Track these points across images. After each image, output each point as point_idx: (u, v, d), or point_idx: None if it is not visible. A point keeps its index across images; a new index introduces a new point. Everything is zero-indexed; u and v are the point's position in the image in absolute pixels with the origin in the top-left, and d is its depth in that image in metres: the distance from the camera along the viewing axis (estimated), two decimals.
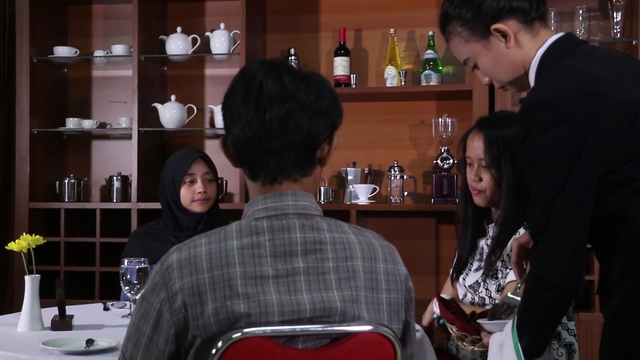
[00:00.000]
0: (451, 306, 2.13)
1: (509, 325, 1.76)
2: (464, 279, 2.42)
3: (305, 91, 1.43)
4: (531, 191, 1.69)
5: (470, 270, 2.41)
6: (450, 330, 2.12)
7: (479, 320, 1.94)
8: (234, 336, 1.33)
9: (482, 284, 2.33)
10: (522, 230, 2.25)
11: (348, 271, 1.42)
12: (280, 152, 1.42)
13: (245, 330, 1.33)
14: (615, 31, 3.66)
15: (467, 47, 1.82)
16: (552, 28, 3.69)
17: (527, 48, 1.77)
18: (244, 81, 1.45)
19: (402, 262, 1.52)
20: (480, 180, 2.34)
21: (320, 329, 1.37)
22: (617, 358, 1.64)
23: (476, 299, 2.35)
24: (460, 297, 2.45)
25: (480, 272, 2.35)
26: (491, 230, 2.39)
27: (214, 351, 1.33)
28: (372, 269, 1.45)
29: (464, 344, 2.08)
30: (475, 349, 2.05)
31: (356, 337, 1.39)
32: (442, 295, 2.30)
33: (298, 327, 1.36)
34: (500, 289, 2.28)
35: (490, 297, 2.30)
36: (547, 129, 1.62)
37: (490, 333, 1.85)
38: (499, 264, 2.30)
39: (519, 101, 1.75)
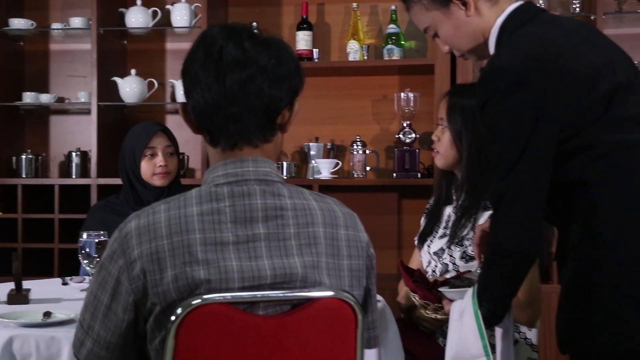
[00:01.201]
0: (414, 275, 2.14)
1: (469, 293, 1.78)
2: (428, 246, 2.43)
3: (266, 56, 1.41)
4: (491, 159, 1.69)
5: (435, 237, 2.43)
6: (413, 298, 2.13)
7: (441, 289, 1.95)
8: (193, 302, 1.31)
9: (446, 250, 2.34)
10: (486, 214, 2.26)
11: (309, 237, 1.41)
12: (241, 117, 1.40)
13: (205, 296, 1.32)
14: (574, 6, 3.68)
15: (428, 15, 1.82)
16: None
17: (487, 16, 1.77)
18: (203, 45, 1.42)
19: (363, 229, 1.51)
20: (439, 140, 2.36)
21: (281, 294, 1.37)
22: (572, 322, 1.65)
23: (439, 265, 2.37)
24: (425, 264, 2.46)
25: (445, 239, 2.36)
26: (454, 195, 2.41)
27: (173, 318, 1.31)
28: (333, 235, 1.45)
29: (427, 312, 2.09)
30: (437, 316, 2.06)
31: (317, 302, 1.38)
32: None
33: (259, 293, 1.35)
34: (465, 256, 2.29)
35: (454, 263, 2.32)
36: (506, 96, 1.63)
37: (451, 301, 1.87)
38: (464, 231, 2.31)
39: (480, 71, 1.76)
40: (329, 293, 1.39)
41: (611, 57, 1.70)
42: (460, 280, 1.98)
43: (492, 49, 1.78)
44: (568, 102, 1.63)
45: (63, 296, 2.30)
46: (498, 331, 1.80)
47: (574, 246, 1.65)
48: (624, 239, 1.60)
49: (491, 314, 1.73)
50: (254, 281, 1.35)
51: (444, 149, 2.37)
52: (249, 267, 1.36)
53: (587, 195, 1.64)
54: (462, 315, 1.78)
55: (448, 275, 2.34)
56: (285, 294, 1.37)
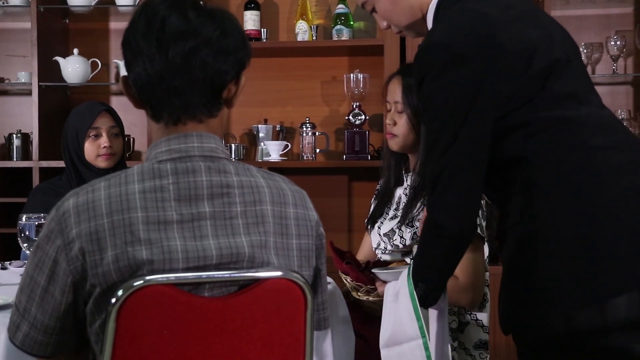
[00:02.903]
0: (345, 257, 2.10)
1: (404, 273, 1.75)
2: (379, 227, 2.40)
3: (211, 27, 1.35)
4: (428, 136, 1.67)
5: (385, 219, 2.40)
6: (344, 281, 2.09)
7: (374, 270, 1.91)
8: (135, 284, 1.25)
9: (397, 231, 2.31)
10: None
11: (257, 216, 1.37)
12: (185, 91, 1.34)
13: (148, 277, 1.26)
14: None
15: None
16: None
17: None
18: (145, 15, 1.36)
19: (312, 207, 1.47)
20: (395, 124, 2.32)
21: (227, 275, 1.32)
22: (513, 302, 1.63)
23: (389, 247, 2.34)
24: (374, 245, 2.43)
25: (396, 220, 2.33)
26: (409, 179, 2.38)
27: (113, 300, 1.25)
28: (282, 213, 1.40)
29: (359, 294, 2.05)
30: (370, 299, 2.03)
31: (265, 283, 1.34)
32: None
33: (204, 274, 1.30)
34: (415, 237, 2.27)
35: (404, 245, 2.29)
36: (442, 72, 1.60)
37: (385, 283, 1.84)
38: (415, 212, 2.28)
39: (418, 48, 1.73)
40: (278, 273, 1.35)
41: (550, 33, 1.68)
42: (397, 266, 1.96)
43: (430, 24, 1.75)
44: (505, 77, 1.60)
45: (1, 281, 2.21)
46: (433, 312, 1.78)
47: (514, 224, 1.63)
48: (562, 214, 1.57)
49: (427, 294, 1.71)
50: (199, 261, 1.30)
51: (402, 132, 2.31)
52: (194, 246, 1.30)
53: (525, 172, 1.61)
54: (397, 297, 1.75)
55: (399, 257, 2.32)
56: (232, 275, 1.32)
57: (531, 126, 1.61)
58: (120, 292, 1.25)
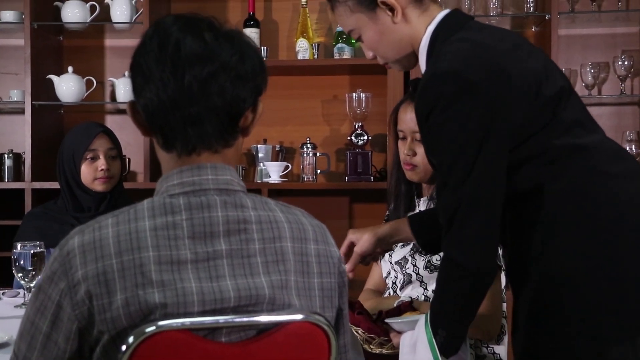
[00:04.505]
0: (355, 307, 1.99)
1: (421, 321, 1.63)
2: (390, 255, 2.30)
3: (229, 51, 1.26)
4: (440, 171, 1.58)
5: (396, 246, 2.30)
6: (355, 333, 1.97)
7: (387, 320, 1.81)
8: (147, 330, 1.15)
9: (409, 259, 2.21)
10: None
11: (276, 253, 1.27)
12: (201, 119, 1.25)
13: (161, 323, 1.16)
14: (528, 5, 3.62)
15: (352, 17, 1.71)
16: (466, 4, 3.62)
17: (416, 24, 1.68)
18: (157, 37, 1.26)
19: (334, 242, 1.38)
20: (415, 154, 2.22)
21: (246, 319, 1.21)
22: (538, 337, 1.54)
23: (400, 276, 2.24)
24: (384, 274, 2.34)
25: (408, 247, 2.23)
26: (422, 205, 2.28)
27: (124, 348, 1.15)
28: (303, 250, 1.30)
29: (371, 347, 1.94)
30: (384, 352, 1.91)
31: (286, 327, 1.23)
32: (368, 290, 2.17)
33: (221, 318, 1.20)
34: (429, 266, 2.17)
35: (417, 273, 2.19)
36: (452, 102, 1.52)
37: (400, 333, 1.73)
38: None
39: (409, 83, 1.65)
40: (299, 316, 1.24)
41: (547, 63, 1.65)
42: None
43: (423, 59, 1.68)
44: (517, 105, 1.54)
45: None
46: None
47: (534, 258, 1.55)
48: (585, 247, 1.52)
49: (448, 341, 1.60)
50: (216, 304, 1.20)
51: (424, 163, 2.19)
52: (210, 288, 1.20)
53: (542, 203, 1.54)
54: (415, 347, 1.63)
55: (411, 287, 2.22)
56: (251, 319, 1.21)
57: (546, 155, 1.55)
58: (131, 339, 1.15)
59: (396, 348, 1.73)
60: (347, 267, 1.74)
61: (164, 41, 1.24)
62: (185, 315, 1.18)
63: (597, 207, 1.53)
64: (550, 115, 1.56)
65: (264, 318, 1.22)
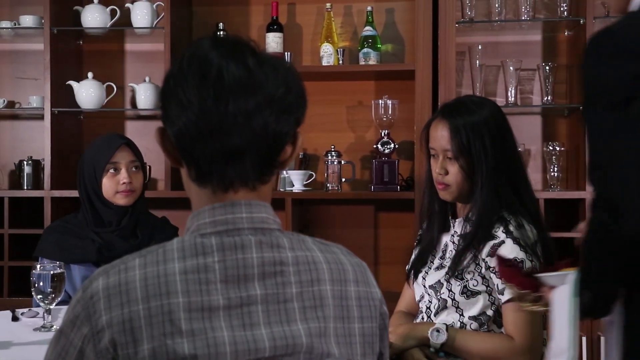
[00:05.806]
0: (505, 260, 1.87)
1: (570, 277, 1.53)
2: (423, 278, 2.19)
3: (275, 81, 1.16)
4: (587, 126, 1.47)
5: (430, 268, 2.20)
6: (511, 288, 1.84)
7: (540, 274, 1.70)
8: None
9: (445, 284, 2.10)
10: (506, 242, 2.03)
11: (314, 298, 1.18)
12: (242, 153, 1.16)
13: None
14: (562, 9, 3.50)
15: None
16: (497, 7, 3.51)
17: None
18: (196, 62, 1.16)
19: (375, 282, 1.29)
20: (447, 173, 2.12)
21: None
22: None
23: (434, 301, 2.14)
24: (417, 298, 2.23)
25: (443, 270, 2.12)
26: (457, 226, 2.17)
27: None
28: (342, 293, 1.21)
29: (523, 304, 1.80)
30: (535, 308, 1.78)
31: None
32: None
33: None
34: (465, 291, 2.07)
35: (453, 299, 2.08)
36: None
37: (552, 288, 1.62)
38: (465, 263, 2.08)
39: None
40: None
41: None
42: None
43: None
44: None
45: (13, 338, 2.03)
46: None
47: None
48: None
49: (593, 303, 1.49)
50: (250, 355, 1.11)
51: (457, 182, 2.11)
52: (244, 337, 1.11)
53: None
54: (563, 304, 1.54)
55: (446, 312, 2.11)
56: None
57: None
58: None
59: (548, 305, 1.62)
60: None
61: (204, 67, 1.15)
62: None
63: None
64: None
65: None
